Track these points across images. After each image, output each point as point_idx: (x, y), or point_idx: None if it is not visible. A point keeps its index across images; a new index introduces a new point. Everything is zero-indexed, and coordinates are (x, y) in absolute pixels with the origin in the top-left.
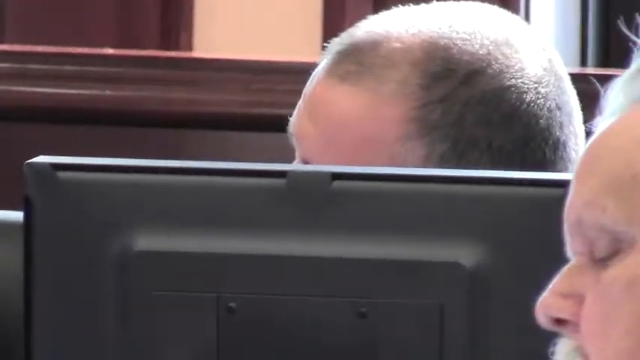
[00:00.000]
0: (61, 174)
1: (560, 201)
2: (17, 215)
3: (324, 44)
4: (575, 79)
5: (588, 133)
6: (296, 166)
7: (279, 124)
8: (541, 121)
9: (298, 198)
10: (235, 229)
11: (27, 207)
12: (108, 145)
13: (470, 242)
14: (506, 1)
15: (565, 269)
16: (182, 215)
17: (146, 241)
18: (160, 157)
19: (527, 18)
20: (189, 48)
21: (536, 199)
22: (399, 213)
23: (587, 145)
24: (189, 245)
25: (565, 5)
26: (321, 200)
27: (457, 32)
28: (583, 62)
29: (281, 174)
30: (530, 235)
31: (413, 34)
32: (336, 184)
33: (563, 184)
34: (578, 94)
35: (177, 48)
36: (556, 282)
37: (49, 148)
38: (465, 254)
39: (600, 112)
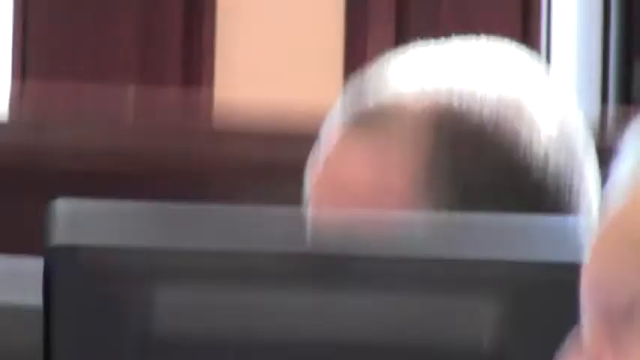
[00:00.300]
0: (83, 251)
1: (573, 284)
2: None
3: (345, 81)
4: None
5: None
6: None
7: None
8: (549, 182)
9: (318, 277)
10: (254, 307)
11: (46, 285)
12: (128, 191)
13: (487, 320)
14: (528, 40)
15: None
16: (203, 296)
17: (168, 320)
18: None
19: (548, 56)
20: (210, 86)
21: (554, 281)
22: (414, 292)
23: (611, 211)
24: (211, 327)
25: (587, 43)
26: (339, 280)
27: (469, 97)
28: (604, 99)
29: (300, 256)
30: (548, 316)
31: (424, 99)
32: (355, 263)
33: (578, 267)
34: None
35: (198, 86)
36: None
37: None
38: (482, 332)
39: (617, 153)
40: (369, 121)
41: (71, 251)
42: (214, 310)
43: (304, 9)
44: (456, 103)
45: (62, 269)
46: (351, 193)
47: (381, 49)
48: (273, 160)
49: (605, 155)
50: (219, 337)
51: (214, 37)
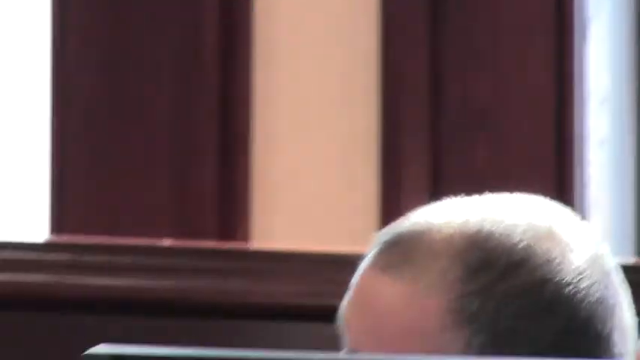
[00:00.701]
0: None
1: None
2: None
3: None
4: (630, 270)
5: None
6: (357, 356)
7: (335, 315)
8: (581, 313)
9: None
10: None
11: None
12: (165, 336)
13: None
14: (563, 198)
15: None
16: None
17: None
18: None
19: (582, 207)
20: (246, 237)
21: None
22: None
23: None
24: None
25: (621, 194)
26: None
27: (498, 225)
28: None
29: None
30: None
31: (454, 227)
32: None
33: None
34: (635, 285)
35: (234, 237)
36: None
37: (103, 340)
38: None
39: None
40: (398, 249)
41: (110, 358)
42: None
43: (336, 169)
44: (487, 229)
45: None
46: (380, 322)
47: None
48: (305, 303)
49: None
50: None
51: (249, 193)
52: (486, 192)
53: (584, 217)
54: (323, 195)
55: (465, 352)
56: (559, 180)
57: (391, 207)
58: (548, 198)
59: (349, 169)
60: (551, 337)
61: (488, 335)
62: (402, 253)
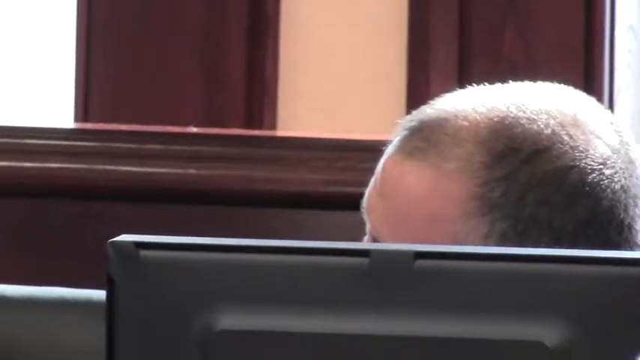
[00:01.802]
0: (145, 253)
1: None
2: (101, 295)
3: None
4: None
5: None
6: (378, 245)
7: (360, 203)
8: (604, 202)
9: (381, 277)
10: (317, 308)
11: (110, 286)
12: (190, 223)
13: (554, 322)
14: (591, 84)
15: None
16: (264, 294)
17: (229, 321)
18: (241, 235)
19: (610, 93)
20: (273, 127)
21: (624, 279)
22: (481, 292)
23: None
24: (272, 324)
25: None
26: (404, 279)
27: (524, 112)
28: None
29: (364, 253)
30: (617, 315)
31: (480, 113)
32: (419, 263)
33: None
34: None
35: (260, 127)
36: None
37: (131, 227)
38: (548, 334)
39: None
40: (423, 135)
41: (133, 246)
42: (276, 306)
43: (364, 54)
44: (513, 114)
45: (124, 264)
46: (403, 208)
47: (443, 90)
48: (332, 190)
49: None
50: (283, 330)
51: (277, 81)
52: (512, 80)
53: (612, 103)
54: (349, 80)
55: (486, 239)
56: (587, 66)
57: (418, 93)
58: (576, 85)
59: (377, 54)
60: (572, 227)
61: (510, 222)
62: (427, 139)
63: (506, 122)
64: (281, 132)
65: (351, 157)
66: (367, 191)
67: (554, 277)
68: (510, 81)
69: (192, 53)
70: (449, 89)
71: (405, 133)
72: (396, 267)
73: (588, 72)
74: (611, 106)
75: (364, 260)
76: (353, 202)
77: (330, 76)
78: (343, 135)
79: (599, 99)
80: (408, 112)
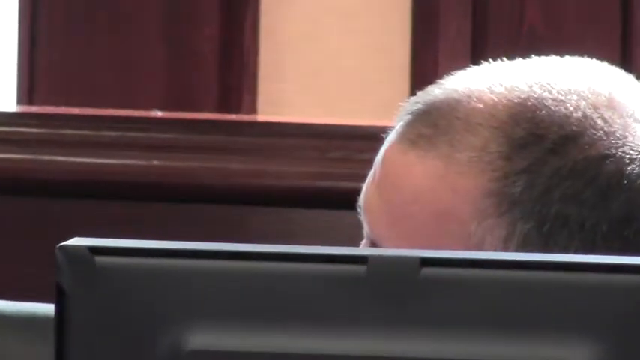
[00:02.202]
0: (101, 259)
1: None
2: (48, 308)
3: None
4: None
5: None
6: (378, 250)
7: (357, 200)
8: None
9: (381, 288)
10: (306, 324)
11: (59, 298)
12: (155, 224)
13: (580, 339)
14: (627, 64)
15: None
16: (242, 308)
17: (200, 339)
18: (217, 238)
19: None
20: (253, 111)
21: None
22: (497, 305)
23: None
24: (251, 344)
25: None
26: (408, 290)
27: (549, 92)
28: None
29: (361, 259)
30: None
31: (497, 93)
32: (426, 271)
33: None
34: None
35: (238, 111)
36: None
37: (85, 228)
38: (574, 352)
39: None
40: (431, 119)
41: (87, 251)
42: (256, 322)
43: (359, 26)
44: (536, 95)
45: (76, 271)
46: (407, 207)
47: (454, 67)
48: (328, 183)
49: None
50: (265, 350)
51: (257, 56)
52: (536, 55)
53: None
54: (342, 57)
55: (506, 243)
56: (624, 40)
57: (425, 71)
58: (611, 62)
59: (376, 25)
60: (607, 227)
61: (534, 223)
62: (434, 124)
63: (529, 104)
64: (262, 116)
65: (346, 147)
66: (364, 187)
67: (584, 288)
68: (533, 56)
69: (155, 24)
70: (461, 67)
71: (408, 117)
72: (398, 276)
73: (626, 48)
74: None
75: (361, 268)
76: (348, 200)
77: (320, 50)
78: (336, 120)
79: (639, 78)
80: (413, 94)
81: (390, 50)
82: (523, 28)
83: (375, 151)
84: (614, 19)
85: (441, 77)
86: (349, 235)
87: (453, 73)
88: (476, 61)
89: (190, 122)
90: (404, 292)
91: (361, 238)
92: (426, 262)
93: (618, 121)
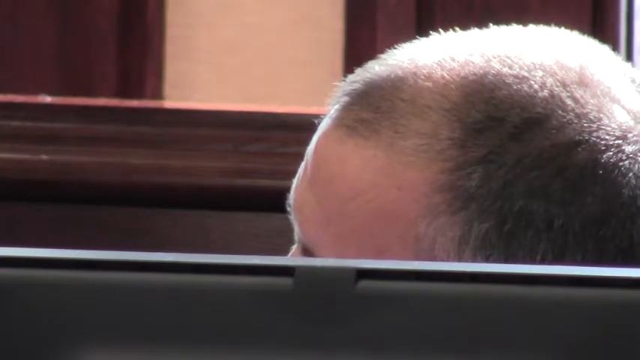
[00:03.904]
0: None
1: None
2: None
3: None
4: None
5: None
6: (306, 260)
7: (280, 201)
8: (624, 190)
9: (310, 304)
10: (221, 346)
11: None
12: (44, 228)
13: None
14: (600, 34)
15: None
16: (145, 326)
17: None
18: (116, 245)
19: (628, 47)
20: (158, 96)
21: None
22: (444, 323)
23: None
24: None
25: None
26: (341, 307)
27: (510, 67)
28: None
29: (286, 271)
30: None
31: (449, 70)
32: (363, 284)
33: None
34: None
35: (140, 96)
36: None
37: None
38: None
39: None
40: (371, 101)
41: None
42: (164, 341)
43: (284, 1)
44: (495, 71)
45: None
46: (344, 204)
47: (395, 44)
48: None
49: None
50: None
51: (163, 30)
52: (492, 25)
53: (630, 59)
54: (263, 31)
55: (462, 245)
56: (596, 10)
57: (360, 48)
58: (581, 33)
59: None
60: (579, 226)
61: (494, 221)
62: (375, 107)
63: (486, 82)
64: (168, 102)
65: (268, 138)
66: (294, 182)
67: (541, 303)
68: (491, 26)
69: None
70: (402, 42)
71: (345, 99)
72: (330, 290)
73: (597, 18)
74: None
75: (286, 281)
76: (270, 200)
77: (236, 24)
78: (256, 107)
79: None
80: (346, 74)
81: (319, 23)
82: None
83: (302, 142)
84: None
85: (379, 54)
86: (272, 242)
87: (396, 47)
88: (421, 36)
89: (84, 109)
90: (337, 309)
91: (290, 244)
92: (363, 273)
93: (591, 100)
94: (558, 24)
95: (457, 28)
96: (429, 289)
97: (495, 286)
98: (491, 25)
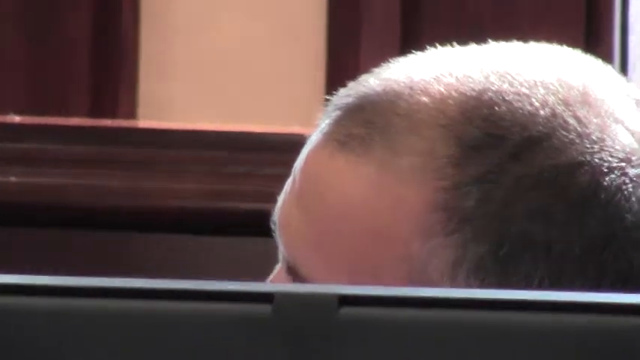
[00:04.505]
0: None
1: None
2: None
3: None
4: None
5: None
6: (286, 286)
7: (261, 225)
8: (628, 215)
9: (290, 332)
10: None
11: None
12: (13, 253)
13: None
14: (594, 49)
15: None
16: (119, 355)
17: None
18: (89, 270)
19: (624, 61)
20: (132, 115)
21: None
22: (433, 353)
23: None
24: None
25: None
26: (323, 335)
27: (511, 83)
28: None
29: (265, 297)
30: None
31: (447, 85)
32: (346, 311)
33: None
34: None
35: (114, 115)
36: None
37: None
38: None
39: None
40: (364, 116)
41: None
42: None
43: (265, 14)
44: (494, 87)
45: None
46: (333, 224)
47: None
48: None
49: None
50: None
51: (138, 45)
52: (488, 41)
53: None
54: (244, 47)
55: (456, 268)
56: (589, 24)
57: (344, 61)
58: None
59: (284, 9)
60: (580, 250)
61: (490, 245)
62: (369, 122)
63: (485, 98)
64: (144, 122)
65: (249, 159)
66: (280, 199)
67: (534, 330)
68: (480, 42)
69: (10, 4)
70: (388, 59)
71: (337, 114)
72: (311, 317)
73: (591, 34)
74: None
75: (264, 308)
76: (252, 224)
77: (216, 38)
78: (236, 126)
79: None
80: (331, 89)
81: (301, 38)
82: (466, 13)
83: (285, 164)
84: (578, 3)
85: (363, 70)
86: (252, 267)
87: (388, 62)
88: (406, 52)
89: (55, 129)
90: (317, 337)
91: (270, 268)
92: (346, 300)
93: (594, 120)
94: (550, 39)
95: (445, 45)
96: (416, 316)
97: (488, 313)
98: (480, 41)
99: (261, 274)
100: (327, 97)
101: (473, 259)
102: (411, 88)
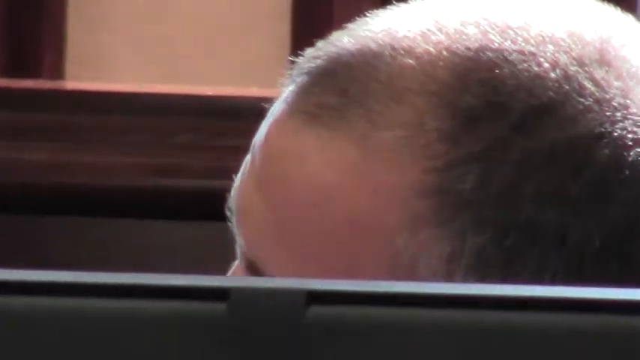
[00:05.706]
0: None
1: None
2: None
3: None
4: None
5: None
6: (244, 280)
7: (213, 206)
8: None
9: (248, 335)
10: None
11: None
12: None
13: None
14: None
15: None
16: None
17: None
18: (5, 260)
19: None
20: (59, 75)
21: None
22: (413, 357)
23: None
24: None
25: None
26: (286, 339)
27: (513, 40)
28: None
29: (219, 294)
30: None
31: (436, 43)
32: (314, 310)
33: None
34: None
35: (37, 74)
36: None
37: None
38: None
39: None
40: (337, 82)
41: None
42: None
43: None
44: (494, 45)
45: None
46: (303, 211)
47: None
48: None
49: None
50: None
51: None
52: None
53: None
54: None
55: (451, 263)
56: None
57: (312, 16)
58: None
59: None
60: (599, 241)
61: (492, 234)
62: (343, 90)
63: (483, 59)
64: (72, 83)
65: (200, 127)
66: (237, 181)
67: (537, 331)
68: None
69: None
70: (365, 12)
71: (303, 79)
72: (273, 318)
73: None
74: None
75: (218, 307)
76: (203, 205)
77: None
78: (184, 88)
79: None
80: (295, 49)
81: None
82: None
83: (242, 133)
84: None
85: (336, 26)
86: (202, 258)
87: (363, 16)
88: (387, 4)
89: None
90: (281, 341)
91: (227, 259)
92: (315, 297)
93: (615, 83)
94: None
95: None
96: (395, 315)
97: (473, 312)
98: None
99: (209, 265)
100: (292, 58)
101: (472, 253)
102: (392, 47)
